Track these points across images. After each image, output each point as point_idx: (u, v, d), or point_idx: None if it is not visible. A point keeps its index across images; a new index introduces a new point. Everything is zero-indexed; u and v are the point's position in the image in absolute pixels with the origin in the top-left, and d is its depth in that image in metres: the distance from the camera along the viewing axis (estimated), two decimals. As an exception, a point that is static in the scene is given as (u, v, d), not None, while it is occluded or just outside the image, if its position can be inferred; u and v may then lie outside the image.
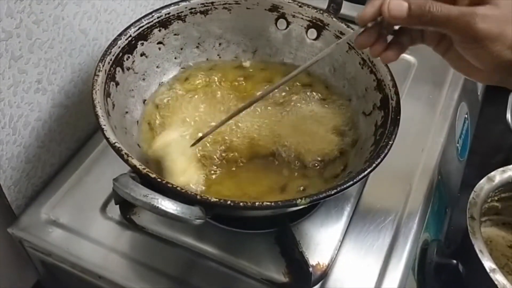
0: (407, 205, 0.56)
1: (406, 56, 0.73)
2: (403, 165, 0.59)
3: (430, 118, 0.66)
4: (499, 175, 0.69)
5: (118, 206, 0.53)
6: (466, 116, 0.74)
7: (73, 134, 0.60)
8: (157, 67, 0.58)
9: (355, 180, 0.43)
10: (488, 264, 0.63)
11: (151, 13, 0.55)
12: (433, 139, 0.63)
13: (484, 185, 0.69)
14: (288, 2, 0.59)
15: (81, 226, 0.54)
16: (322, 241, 0.52)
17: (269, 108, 0.56)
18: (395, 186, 0.58)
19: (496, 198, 0.72)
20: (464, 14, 0.38)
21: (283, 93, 0.58)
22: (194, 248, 0.52)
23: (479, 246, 0.64)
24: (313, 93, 0.58)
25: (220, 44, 0.61)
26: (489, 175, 0.69)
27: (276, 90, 0.55)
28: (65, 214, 0.55)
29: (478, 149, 0.86)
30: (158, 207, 0.37)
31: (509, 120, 0.84)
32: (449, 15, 0.39)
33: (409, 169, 0.60)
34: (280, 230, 0.52)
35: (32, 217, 0.54)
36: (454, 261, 0.55)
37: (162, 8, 0.56)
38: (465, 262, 0.58)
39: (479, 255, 0.63)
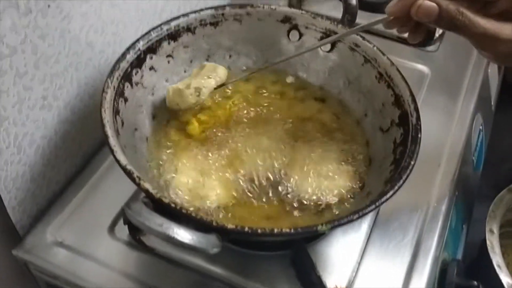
0: (425, 223, 0.54)
1: (419, 66, 0.72)
2: (420, 181, 0.57)
3: (446, 131, 0.64)
4: (520, 187, 0.68)
5: (127, 226, 0.51)
6: (481, 127, 0.72)
7: (78, 150, 0.58)
8: (166, 80, 0.56)
9: (377, 204, 0.41)
10: (506, 279, 0.62)
11: (160, 25, 0.53)
12: (449, 153, 0.62)
13: (504, 197, 0.67)
14: (301, 13, 0.57)
15: (88, 247, 0.52)
16: (339, 262, 0.51)
17: (282, 146, 0.53)
18: (413, 204, 0.56)
19: (515, 210, 0.71)
20: (488, 36, 0.41)
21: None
22: (206, 270, 0.50)
23: (497, 261, 0.63)
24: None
25: (230, 56, 0.59)
26: (509, 186, 0.68)
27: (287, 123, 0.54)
28: (72, 234, 0.52)
29: (489, 159, 0.85)
30: (173, 237, 0.36)
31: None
32: (475, 32, 0.41)
33: (427, 185, 0.58)
34: (295, 251, 0.50)
35: (37, 238, 0.52)
36: (475, 282, 0.53)
37: (171, 20, 0.54)
38: (482, 278, 0.57)
39: (497, 270, 0.62)
